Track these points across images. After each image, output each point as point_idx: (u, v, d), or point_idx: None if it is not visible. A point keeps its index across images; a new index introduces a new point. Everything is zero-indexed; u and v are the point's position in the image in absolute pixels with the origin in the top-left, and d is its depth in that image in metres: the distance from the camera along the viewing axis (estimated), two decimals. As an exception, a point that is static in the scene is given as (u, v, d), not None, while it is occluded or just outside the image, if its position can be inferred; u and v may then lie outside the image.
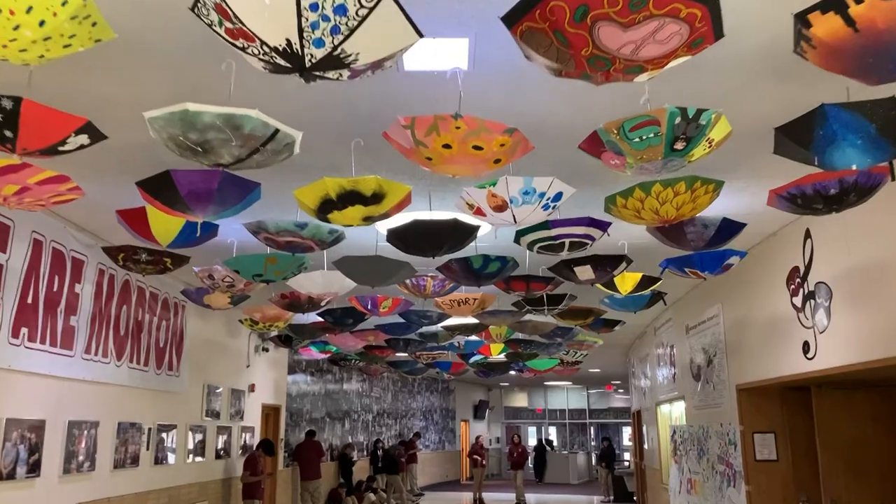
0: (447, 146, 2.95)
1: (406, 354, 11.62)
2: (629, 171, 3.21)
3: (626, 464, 21.97)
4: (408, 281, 6.14)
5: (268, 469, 11.05)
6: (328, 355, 11.30)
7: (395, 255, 5.32)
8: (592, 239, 4.68)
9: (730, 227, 4.62)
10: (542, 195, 3.76)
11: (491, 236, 6.51)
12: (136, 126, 3.79)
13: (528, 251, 5.94)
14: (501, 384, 27.85)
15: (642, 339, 13.65)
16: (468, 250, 5.53)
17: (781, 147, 3.32)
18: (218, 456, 9.60)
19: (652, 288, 6.42)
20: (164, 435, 8.09)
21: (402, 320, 8.36)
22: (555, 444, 28.67)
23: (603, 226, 4.61)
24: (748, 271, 7.11)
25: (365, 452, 16.99)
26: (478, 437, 20.14)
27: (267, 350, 11.33)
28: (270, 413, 12.12)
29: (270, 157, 3.12)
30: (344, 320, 7.88)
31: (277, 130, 2.97)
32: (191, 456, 8.84)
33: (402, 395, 20.37)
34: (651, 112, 2.90)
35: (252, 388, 10.86)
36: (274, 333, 10.58)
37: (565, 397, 29.67)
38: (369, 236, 6.32)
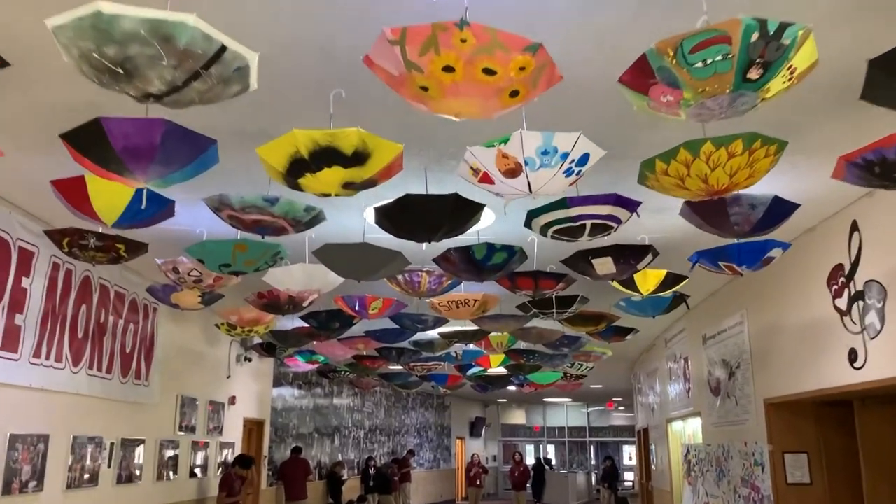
0: (449, 69, 2.23)
1: (399, 366, 10.86)
2: (684, 111, 2.49)
3: (630, 484, 21.11)
4: (400, 276, 5.40)
5: (249, 488, 10.24)
6: (316, 366, 10.52)
7: (386, 245, 4.60)
8: (618, 221, 3.95)
9: (780, 208, 3.90)
10: (564, 156, 3.03)
11: (495, 229, 5.79)
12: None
13: (537, 242, 5.21)
14: (499, 400, 27.02)
15: (650, 353, 12.90)
16: (470, 236, 4.81)
17: (874, 86, 2.60)
18: (192, 474, 8.80)
19: (675, 289, 5.70)
20: (129, 451, 7.30)
21: (394, 326, 7.61)
22: (553, 462, 27.77)
23: (631, 205, 3.89)
24: (779, 272, 6.39)
25: (356, 471, 16.15)
26: (473, 456, 19.27)
27: (249, 360, 10.55)
28: (253, 428, 11.32)
29: (217, 88, 2.39)
30: (330, 325, 7.13)
31: (224, 48, 2.25)
32: (163, 474, 8.04)
33: (396, 411, 19.55)
34: (719, 25, 2.19)
35: (232, 400, 10.07)
36: (256, 341, 9.82)
37: (564, 415, 28.80)
38: (355, 223, 5.58)
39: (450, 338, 7.98)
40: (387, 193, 4.31)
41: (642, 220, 5.49)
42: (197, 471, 8.96)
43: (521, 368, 10.67)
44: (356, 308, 6.18)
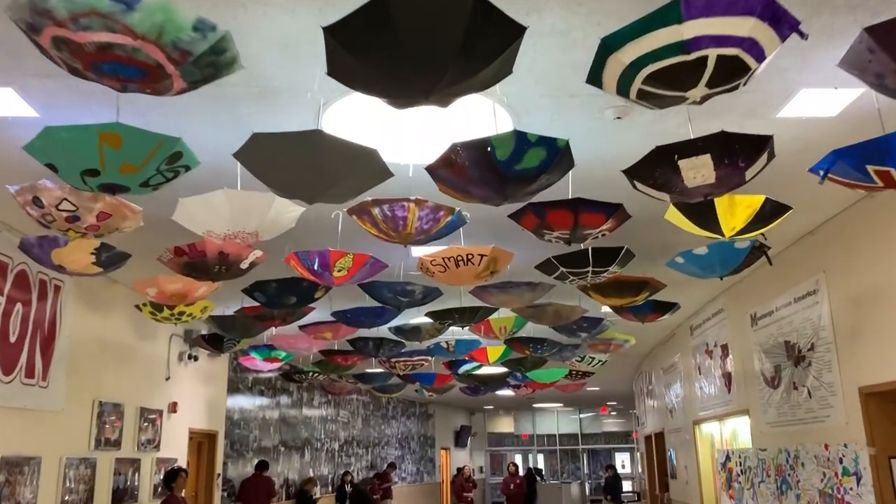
0: None
1: (378, 367, 9.09)
2: None
3: (634, 495, 19.38)
4: (376, 209, 3.66)
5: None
6: (277, 365, 8.71)
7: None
8: (759, 57, 2.25)
9: None
10: None
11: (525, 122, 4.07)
12: None
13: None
14: (485, 407, 25.23)
15: (667, 346, 11.23)
16: (483, 106, 3.13)
17: None
18: (116, 501, 6.94)
19: (765, 229, 4.01)
20: (17, 474, 5.45)
21: (369, 303, 5.86)
22: (543, 472, 25.99)
23: (786, 23, 2.19)
24: (877, 220, 4.79)
25: (330, 488, 14.30)
26: (461, 469, 17.44)
27: (195, 358, 8.70)
28: (203, 441, 9.46)
29: None
30: (283, 299, 5.35)
31: None
32: (72, 501, 6.20)
33: (375, 420, 17.71)
34: None
35: (173, 407, 8.22)
36: (203, 331, 7.99)
37: (555, 421, 27.05)
38: (303, 114, 3.79)
39: (442, 319, 6.23)
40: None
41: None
42: (123, 496, 7.10)
43: (522, 364, 8.95)
44: (315, 268, 4.43)
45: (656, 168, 3.02)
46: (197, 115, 3.60)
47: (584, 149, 4.12)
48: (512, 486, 15.33)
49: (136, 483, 7.36)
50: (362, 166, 2.92)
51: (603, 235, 3.92)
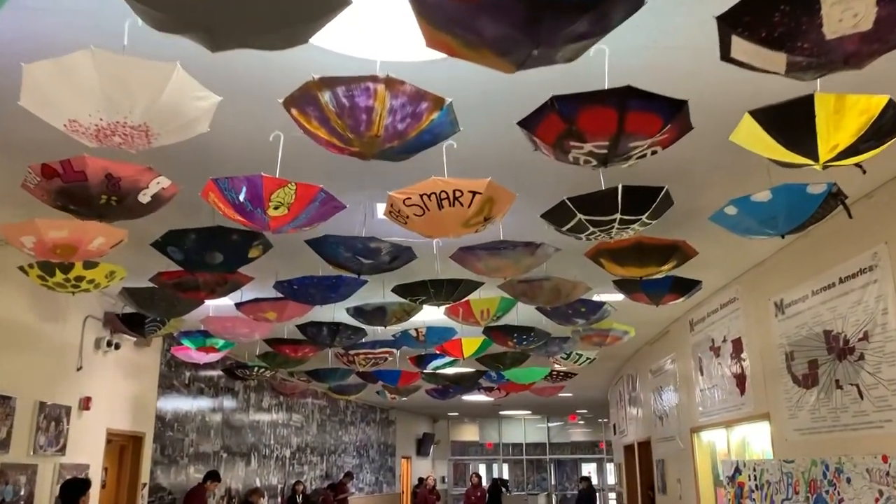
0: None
1: (334, 360, 7.86)
2: None
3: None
4: (327, 96, 2.44)
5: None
6: (215, 356, 7.40)
7: None
8: None
9: None
10: None
11: None
12: None
13: (608, 53, 2.34)
14: (449, 414, 24.01)
15: (657, 345, 10.16)
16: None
17: None
18: (1, 518, 5.59)
19: (867, 157, 2.89)
20: None
21: (322, 271, 4.64)
22: (508, 483, 24.83)
23: None
24: None
25: (279, 499, 12.95)
26: (424, 479, 16.20)
27: (117, 346, 7.33)
28: (127, 445, 8.08)
29: None
30: (206, 257, 4.08)
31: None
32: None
33: (332, 426, 16.36)
34: None
35: (86, 403, 6.86)
36: (126, 309, 6.65)
37: (522, 429, 25.91)
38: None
39: (412, 295, 5.03)
40: None
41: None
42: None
43: (500, 360, 7.78)
44: (241, 201, 3.18)
45: (778, 4, 1.87)
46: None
47: (619, 39, 2.96)
48: (473, 498, 14.17)
49: (31, 494, 5.99)
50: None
51: (653, 153, 2.76)
